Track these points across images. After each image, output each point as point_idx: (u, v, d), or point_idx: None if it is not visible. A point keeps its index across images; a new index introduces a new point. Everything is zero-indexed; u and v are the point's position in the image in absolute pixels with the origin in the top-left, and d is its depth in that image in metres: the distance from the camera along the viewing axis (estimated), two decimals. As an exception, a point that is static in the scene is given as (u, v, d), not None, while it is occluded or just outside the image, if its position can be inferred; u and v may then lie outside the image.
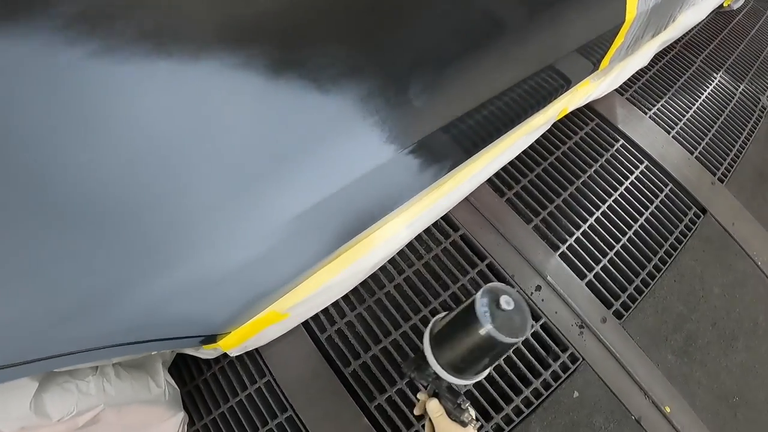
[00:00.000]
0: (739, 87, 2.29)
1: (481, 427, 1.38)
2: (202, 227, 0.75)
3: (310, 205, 0.86)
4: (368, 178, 0.92)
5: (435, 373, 0.80)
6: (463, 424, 0.84)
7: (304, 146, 0.78)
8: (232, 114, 0.64)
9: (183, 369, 1.52)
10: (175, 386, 1.35)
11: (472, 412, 0.86)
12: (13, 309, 0.63)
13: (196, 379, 1.50)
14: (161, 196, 0.66)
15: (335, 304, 1.50)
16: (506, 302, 0.70)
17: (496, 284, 0.75)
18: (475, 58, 0.96)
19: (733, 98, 2.22)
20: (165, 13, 0.49)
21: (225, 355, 1.47)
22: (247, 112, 0.65)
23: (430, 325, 0.84)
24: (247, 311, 1.07)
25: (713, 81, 2.26)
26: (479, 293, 0.73)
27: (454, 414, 0.85)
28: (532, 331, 1.50)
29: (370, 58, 0.75)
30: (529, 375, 1.45)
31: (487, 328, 0.69)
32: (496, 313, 0.70)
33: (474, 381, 0.82)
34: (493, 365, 0.82)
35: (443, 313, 0.84)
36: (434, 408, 0.86)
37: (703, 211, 1.80)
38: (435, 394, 0.89)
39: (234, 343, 1.16)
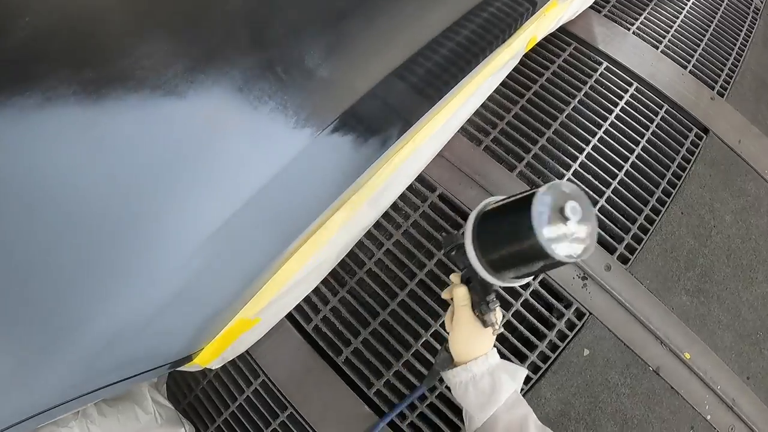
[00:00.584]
0: (729, -13, 2.06)
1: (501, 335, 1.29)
2: (115, 270, 0.65)
3: (222, 221, 0.72)
4: (287, 174, 0.76)
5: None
6: (485, 323, 0.78)
7: (186, 160, 0.64)
8: (64, 156, 0.53)
9: (180, 382, 1.43)
10: (168, 405, 1.29)
11: (499, 315, 0.80)
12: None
13: (194, 391, 1.40)
14: (57, 257, 0.57)
15: (316, 290, 1.36)
16: (572, 210, 0.56)
17: (565, 183, 0.60)
18: None
19: (723, 1, 2.00)
20: None
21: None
22: (84, 152, 0.54)
23: (477, 209, 0.70)
24: (208, 329, 0.95)
25: (699, -17, 2.03)
26: (543, 188, 0.58)
27: (480, 309, 0.78)
28: (531, 290, 1.34)
29: (219, 37, 0.60)
30: (532, 338, 1.31)
31: (541, 236, 0.56)
32: (556, 221, 0.57)
33: (514, 285, 0.73)
34: (540, 276, 0.68)
35: (494, 198, 0.71)
36: (461, 296, 0.79)
37: (705, 131, 1.62)
38: (467, 282, 0.81)
39: (210, 358, 1.06)
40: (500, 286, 0.74)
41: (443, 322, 1.29)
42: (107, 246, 0.61)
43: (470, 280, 0.80)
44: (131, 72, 0.52)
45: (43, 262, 0.56)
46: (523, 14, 1.22)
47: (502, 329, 1.24)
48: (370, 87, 0.85)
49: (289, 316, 1.36)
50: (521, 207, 0.59)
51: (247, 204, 0.73)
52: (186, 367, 1.09)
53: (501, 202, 0.68)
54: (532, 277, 0.72)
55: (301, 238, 0.98)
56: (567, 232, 0.57)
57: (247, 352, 1.33)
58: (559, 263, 0.59)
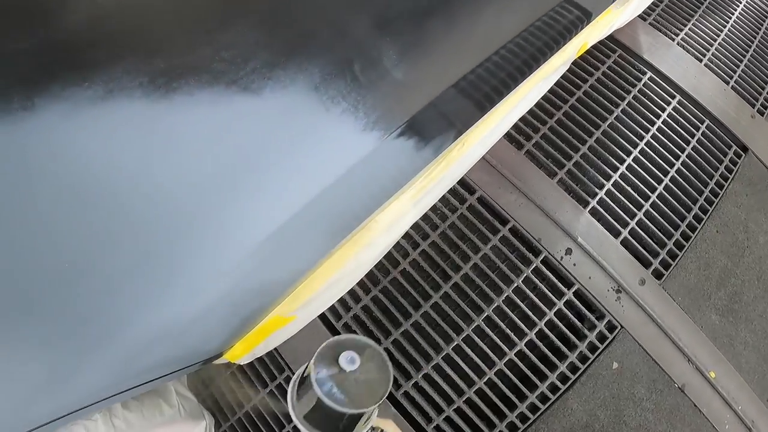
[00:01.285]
0: (773, 2, 2.04)
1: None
2: (180, 262, 0.63)
3: (280, 224, 0.71)
4: (349, 177, 0.75)
5: None
6: None
7: (253, 161, 0.62)
8: (124, 160, 0.49)
9: (202, 373, 1.41)
10: (191, 397, 1.29)
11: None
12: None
13: (217, 381, 1.39)
14: (125, 251, 0.56)
15: None
16: (348, 361, 0.63)
17: (339, 338, 0.67)
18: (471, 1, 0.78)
19: (767, 19, 1.98)
20: None
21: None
22: (144, 153, 0.50)
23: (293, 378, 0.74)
24: (247, 326, 0.94)
25: (742, -1, 2.01)
26: (313, 358, 0.65)
27: None
28: (565, 299, 1.34)
29: (307, 31, 0.58)
30: (563, 348, 1.32)
31: (318, 393, 0.62)
32: (337, 377, 0.63)
33: None
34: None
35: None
36: None
37: (744, 149, 1.62)
38: None
39: (241, 354, 1.06)
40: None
41: (476, 325, 1.29)
42: (162, 247, 0.60)
43: None
44: (209, 64, 0.48)
45: (97, 260, 0.54)
46: (577, 24, 1.20)
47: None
48: (440, 91, 0.84)
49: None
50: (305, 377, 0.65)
51: (306, 207, 0.72)
52: (216, 362, 1.09)
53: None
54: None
55: (348, 237, 0.97)
56: (348, 382, 0.63)
57: (274, 347, 1.33)
58: (350, 415, 0.64)
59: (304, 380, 0.71)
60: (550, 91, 1.58)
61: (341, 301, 1.35)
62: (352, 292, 1.35)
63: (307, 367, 0.71)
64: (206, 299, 0.71)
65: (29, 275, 0.48)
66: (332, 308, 1.34)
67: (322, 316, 1.34)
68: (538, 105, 1.56)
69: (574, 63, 1.64)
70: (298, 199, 0.71)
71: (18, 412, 0.62)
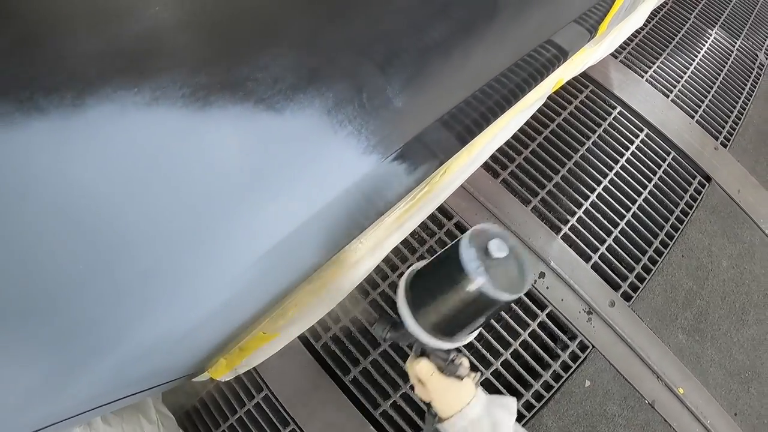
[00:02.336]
0: (736, 44, 2.18)
1: (481, 375, 1.28)
2: (172, 278, 0.66)
3: (280, 239, 0.75)
4: (347, 195, 0.82)
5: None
6: (460, 377, 0.74)
7: (266, 177, 0.67)
8: (158, 163, 0.52)
9: (179, 391, 1.43)
10: (170, 415, 1.30)
11: (467, 363, 0.75)
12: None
13: (193, 400, 1.41)
14: (114, 261, 0.56)
15: None
16: (497, 248, 0.57)
17: (484, 226, 0.60)
18: (462, 43, 0.85)
19: (731, 56, 2.12)
20: (17, 56, 0.36)
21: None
22: (177, 157, 0.53)
23: (405, 276, 0.68)
24: (230, 342, 0.99)
25: (709, 38, 2.14)
26: (464, 238, 0.59)
27: (449, 370, 0.73)
28: (539, 321, 1.42)
29: (329, 60, 0.62)
30: (537, 367, 1.38)
31: (478, 282, 0.55)
32: (488, 263, 0.57)
33: (465, 342, 0.68)
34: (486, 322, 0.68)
35: (421, 262, 0.70)
36: (425, 370, 0.74)
37: (708, 179, 1.72)
38: (422, 353, 0.76)
39: (223, 371, 1.09)
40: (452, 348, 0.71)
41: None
42: (168, 256, 0.62)
43: (425, 350, 0.75)
44: (244, 82, 0.52)
45: (108, 265, 0.56)
46: (554, 61, 1.30)
47: (480, 369, 1.29)
48: (432, 120, 0.93)
49: (298, 333, 1.40)
50: (451, 261, 0.59)
51: (305, 223, 0.77)
52: (197, 378, 1.12)
53: (425, 263, 0.67)
54: (478, 330, 0.71)
55: (334, 257, 1.04)
56: (500, 270, 0.57)
57: (251, 366, 1.37)
58: (502, 304, 0.58)
59: (422, 274, 0.67)
60: (526, 123, 1.68)
61: (321, 322, 1.40)
62: (331, 313, 1.40)
63: (425, 265, 0.67)
64: (203, 310, 0.75)
65: (37, 276, 0.50)
66: (312, 330, 1.40)
67: (302, 336, 1.39)
68: (513, 136, 1.66)
69: (549, 97, 1.75)
70: (298, 216, 0.76)
71: (10, 417, 0.64)
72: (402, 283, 0.68)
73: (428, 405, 0.77)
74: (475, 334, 0.69)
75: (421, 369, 0.74)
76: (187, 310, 0.72)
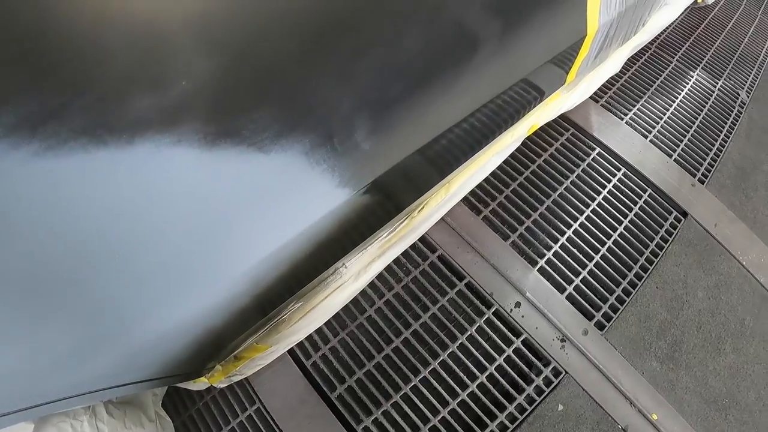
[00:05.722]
0: (717, 84, 2.28)
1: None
2: (162, 289, 0.81)
3: (269, 252, 0.92)
4: (323, 222, 0.98)
5: None
6: None
7: (253, 203, 0.83)
8: (175, 187, 0.69)
9: (177, 400, 1.57)
10: (168, 418, 1.41)
11: None
12: (8, 363, 0.69)
13: (190, 409, 1.54)
14: (122, 273, 0.72)
15: (318, 330, 1.54)
16: None
17: None
18: (427, 91, 1.00)
19: (711, 96, 2.22)
20: (97, 106, 0.53)
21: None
22: (188, 183, 0.70)
23: None
24: (225, 346, 1.12)
25: (690, 80, 2.26)
26: None
27: None
28: (514, 347, 1.52)
29: (305, 115, 0.79)
30: (512, 391, 1.47)
31: None
32: None
33: None
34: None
35: None
36: None
37: (684, 214, 1.81)
38: None
39: (219, 377, 1.24)
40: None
41: (433, 369, 1.47)
42: (181, 256, 0.78)
43: None
44: (240, 130, 0.70)
45: (130, 260, 0.71)
46: (525, 106, 1.44)
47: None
48: (399, 160, 1.08)
49: (291, 351, 1.52)
50: None
51: (291, 239, 0.94)
52: (194, 384, 1.26)
53: None
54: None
55: (321, 282, 1.18)
56: None
57: (246, 379, 1.49)
58: None
59: None
60: (508, 163, 1.83)
61: (311, 341, 1.54)
62: (322, 335, 1.54)
63: None
64: (206, 306, 0.90)
65: (86, 265, 0.66)
66: (302, 347, 1.53)
67: (293, 354, 1.52)
68: (495, 176, 1.80)
69: (530, 139, 1.89)
70: (289, 231, 0.93)
71: (39, 379, 0.76)
72: None
73: None
74: None
75: None
76: (190, 304, 0.88)
